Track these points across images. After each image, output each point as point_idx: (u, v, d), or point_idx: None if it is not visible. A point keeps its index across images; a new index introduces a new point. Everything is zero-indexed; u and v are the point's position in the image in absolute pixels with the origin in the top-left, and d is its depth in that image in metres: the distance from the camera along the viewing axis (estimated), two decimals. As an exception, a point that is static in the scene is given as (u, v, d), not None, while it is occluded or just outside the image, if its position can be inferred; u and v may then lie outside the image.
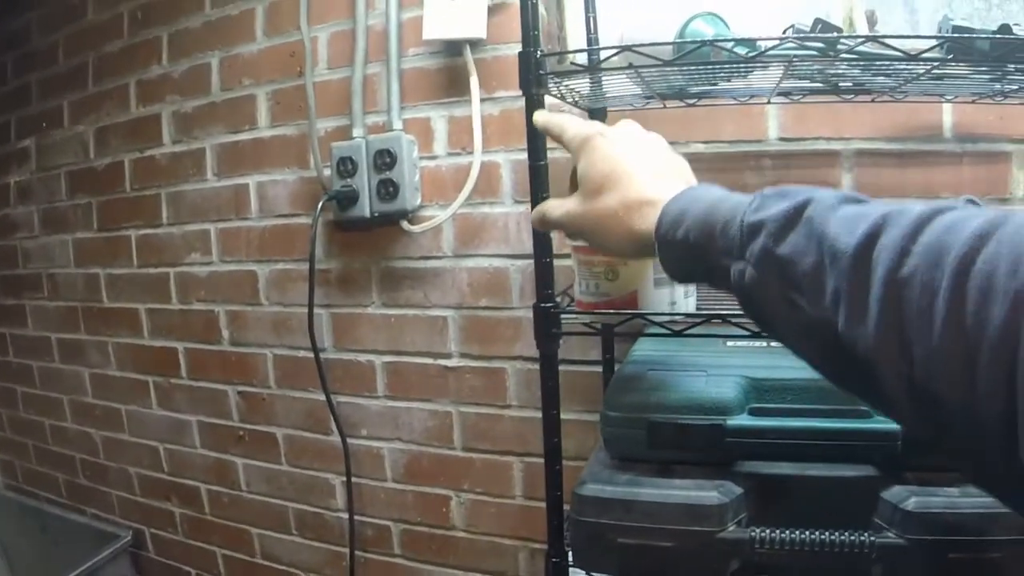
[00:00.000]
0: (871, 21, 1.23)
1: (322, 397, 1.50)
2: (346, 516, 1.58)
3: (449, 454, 1.47)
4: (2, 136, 2.08)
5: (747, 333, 0.85)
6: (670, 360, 1.04)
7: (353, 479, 1.55)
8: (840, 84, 1.08)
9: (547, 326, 0.90)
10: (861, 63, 0.88)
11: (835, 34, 0.90)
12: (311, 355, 1.48)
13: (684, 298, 0.88)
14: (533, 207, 0.85)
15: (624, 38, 1.07)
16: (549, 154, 0.87)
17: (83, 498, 2.06)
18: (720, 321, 0.84)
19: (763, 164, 1.23)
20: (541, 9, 1.22)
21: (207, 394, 1.74)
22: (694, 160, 1.27)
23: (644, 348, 1.12)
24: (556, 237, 0.88)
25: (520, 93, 0.84)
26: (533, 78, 0.85)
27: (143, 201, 1.77)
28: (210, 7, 1.62)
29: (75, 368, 1.99)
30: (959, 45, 0.83)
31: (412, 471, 1.52)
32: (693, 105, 1.15)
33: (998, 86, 1.02)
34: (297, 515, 1.68)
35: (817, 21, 0.94)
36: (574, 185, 0.71)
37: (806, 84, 1.09)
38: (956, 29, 0.86)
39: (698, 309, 0.91)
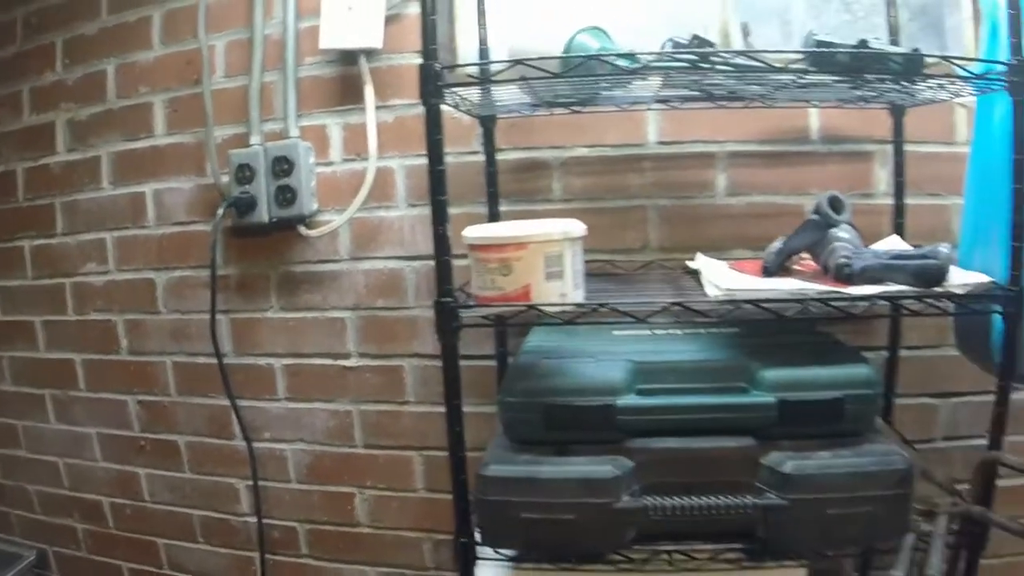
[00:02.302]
0: (745, 32, 1.36)
1: (223, 402, 1.54)
2: (253, 520, 1.61)
3: (351, 452, 1.51)
4: None
5: (632, 320, 0.94)
6: (561, 349, 1.13)
7: (261, 482, 1.57)
8: (715, 92, 1.17)
9: (447, 321, 0.96)
10: (735, 74, 0.97)
11: (709, 48, 0.99)
12: (211, 361, 1.51)
13: (573, 290, 0.96)
14: (433, 210, 0.92)
15: (513, 50, 1.16)
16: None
17: None
18: (607, 310, 0.92)
19: (643, 166, 1.34)
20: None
21: (106, 405, 1.73)
22: (579, 163, 1.36)
23: (536, 339, 1.21)
24: (452, 236, 0.94)
25: (416, 101, 0.91)
26: (432, 89, 0.91)
27: (37, 211, 1.75)
28: (107, 13, 1.63)
29: (-34, 385, 1.93)
30: (821, 58, 0.94)
31: (316, 471, 1.56)
32: (578, 112, 1.23)
33: (859, 93, 1.14)
34: (203, 522, 1.69)
35: (694, 37, 1.03)
36: None
37: (683, 92, 1.18)
38: (819, 44, 0.97)
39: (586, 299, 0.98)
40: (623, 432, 0.98)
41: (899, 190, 1.31)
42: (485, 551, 1.02)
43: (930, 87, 1.06)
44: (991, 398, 1.37)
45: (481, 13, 1.32)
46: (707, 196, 1.34)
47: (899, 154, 1.30)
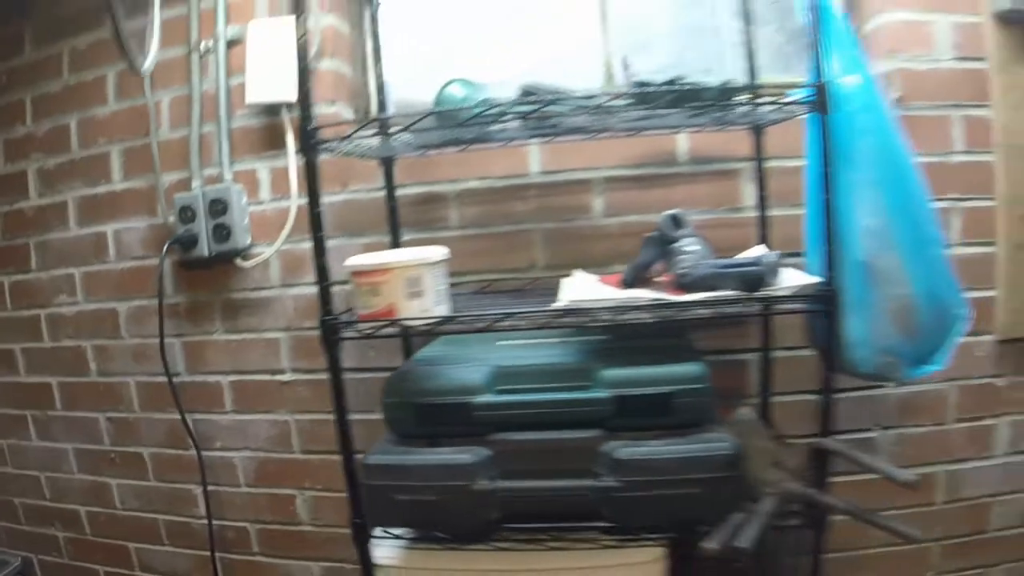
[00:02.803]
0: (626, 65, 1.52)
1: (179, 416, 1.72)
2: (214, 523, 1.79)
3: (290, 457, 1.71)
4: None
5: (472, 330, 1.13)
6: (444, 357, 1.33)
7: (211, 487, 1.77)
8: (567, 127, 1.34)
9: (329, 335, 1.15)
10: (587, 110, 1.14)
11: (536, 96, 1.16)
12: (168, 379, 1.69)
13: (434, 306, 1.15)
14: (314, 245, 1.11)
15: (398, 102, 1.34)
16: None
17: None
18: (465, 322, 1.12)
19: (528, 194, 1.54)
20: (345, 69, 1.49)
21: (80, 422, 1.93)
22: (471, 194, 1.54)
23: (429, 350, 1.40)
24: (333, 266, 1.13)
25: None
26: (309, 144, 1.11)
27: (14, 250, 1.96)
28: (68, 73, 1.84)
29: (-43, 409, 2.14)
30: (643, 95, 1.11)
31: (261, 475, 1.75)
32: (464, 150, 1.42)
33: (701, 119, 1.30)
34: (167, 526, 1.88)
35: (532, 87, 1.20)
36: None
37: (539, 130, 1.34)
38: (638, 84, 1.15)
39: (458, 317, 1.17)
40: (482, 426, 1.16)
41: (762, 203, 1.48)
42: (376, 531, 1.21)
43: (770, 108, 1.22)
44: (867, 393, 1.57)
45: (379, 75, 1.52)
46: (586, 218, 1.53)
47: (760, 170, 1.47)
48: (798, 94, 1.10)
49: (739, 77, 1.54)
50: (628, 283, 1.26)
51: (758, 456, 1.20)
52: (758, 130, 1.46)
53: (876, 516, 1.10)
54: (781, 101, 1.15)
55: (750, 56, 1.52)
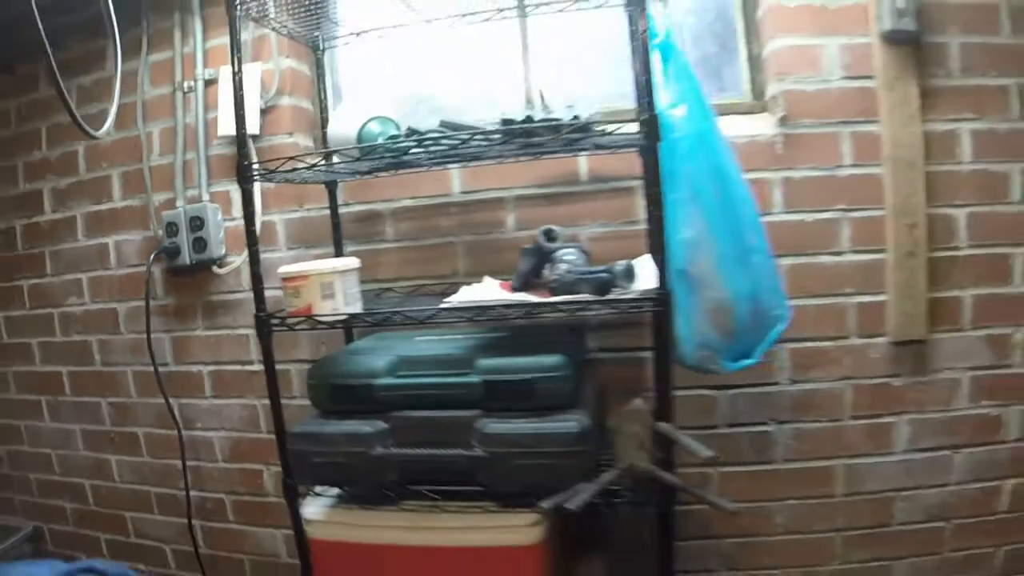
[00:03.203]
0: (542, 96, 1.81)
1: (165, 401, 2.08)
2: (194, 493, 2.14)
3: (259, 437, 2.05)
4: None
5: (369, 323, 1.45)
6: (363, 348, 1.65)
7: (194, 463, 2.13)
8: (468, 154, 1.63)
9: (262, 327, 1.49)
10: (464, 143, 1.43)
11: (424, 133, 1.46)
12: (161, 368, 2.05)
13: (345, 306, 1.48)
14: (250, 258, 1.44)
15: (331, 135, 1.67)
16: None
17: None
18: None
19: (451, 211, 1.86)
20: (305, 104, 1.81)
21: (86, 406, 2.30)
22: (404, 211, 1.87)
23: (359, 342, 1.73)
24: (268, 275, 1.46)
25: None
26: (244, 177, 1.45)
27: (32, 257, 2.34)
28: (76, 106, 2.19)
29: (-19, 395, 2.53)
30: (508, 129, 1.39)
31: (235, 453, 2.11)
32: (396, 174, 1.75)
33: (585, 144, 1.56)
34: (158, 497, 2.24)
35: (443, 123, 1.50)
36: None
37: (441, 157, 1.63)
38: (503, 121, 1.43)
39: (364, 312, 1.49)
40: (382, 404, 1.47)
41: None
42: (308, 493, 1.54)
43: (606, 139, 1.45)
44: (763, 390, 1.85)
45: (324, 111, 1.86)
46: (500, 232, 1.85)
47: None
48: (631, 126, 1.36)
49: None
50: (516, 288, 1.57)
51: (628, 439, 1.44)
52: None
53: (696, 490, 1.38)
54: (613, 133, 1.38)
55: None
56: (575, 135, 1.38)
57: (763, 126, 1.80)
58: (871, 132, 1.76)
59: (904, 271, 1.77)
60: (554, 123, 1.37)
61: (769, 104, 1.84)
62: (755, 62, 1.92)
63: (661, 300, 1.34)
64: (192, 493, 2.16)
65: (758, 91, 1.91)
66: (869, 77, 1.75)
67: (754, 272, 1.44)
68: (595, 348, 1.84)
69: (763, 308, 1.45)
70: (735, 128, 1.80)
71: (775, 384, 1.85)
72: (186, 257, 1.99)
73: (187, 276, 2.07)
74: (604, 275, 1.41)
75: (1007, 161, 1.76)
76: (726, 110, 1.89)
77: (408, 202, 1.88)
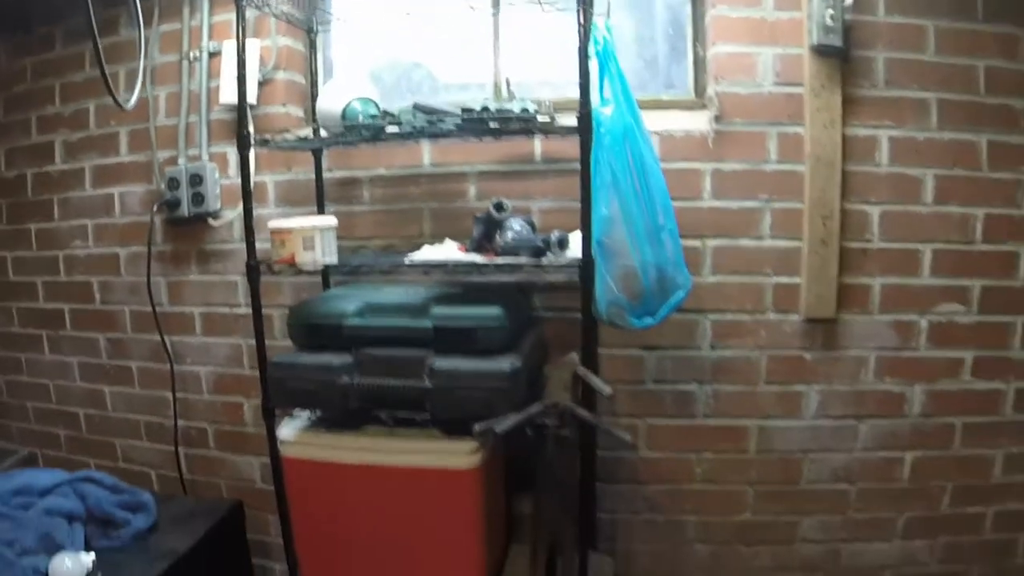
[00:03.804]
0: (508, 83, 2.13)
1: (158, 338, 2.43)
2: (181, 424, 2.50)
3: (242, 373, 2.41)
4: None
5: (342, 273, 1.81)
6: (336, 295, 1.99)
7: (181, 395, 2.48)
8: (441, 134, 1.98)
9: (252, 274, 1.84)
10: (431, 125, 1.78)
11: (394, 114, 1.82)
12: (151, 309, 2.40)
13: (323, 257, 1.82)
14: (245, 215, 1.78)
15: (319, 109, 2.01)
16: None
17: None
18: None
19: (421, 181, 2.21)
20: (298, 79, 2.16)
21: (84, 342, 2.65)
22: (380, 179, 2.22)
23: (333, 290, 2.07)
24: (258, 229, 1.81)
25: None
26: (243, 144, 1.79)
27: (41, 204, 2.67)
28: (88, 68, 2.53)
29: (-15, 330, 2.88)
30: (468, 117, 1.74)
31: (219, 386, 2.47)
32: (375, 146, 2.10)
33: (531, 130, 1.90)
34: (147, 426, 2.60)
35: (416, 105, 1.86)
36: None
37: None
38: (464, 110, 1.77)
39: (339, 263, 1.84)
40: (350, 341, 1.80)
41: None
42: (279, 412, 1.90)
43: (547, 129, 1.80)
44: (686, 353, 2.19)
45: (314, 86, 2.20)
46: (463, 202, 2.19)
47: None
48: (569, 120, 1.70)
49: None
50: (469, 250, 1.93)
51: (557, 383, 1.79)
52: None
53: (602, 423, 1.73)
54: (554, 123, 1.74)
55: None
56: (521, 124, 1.74)
57: (699, 122, 2.13)
58: (796, 133, 2.08)
59: (817, 257, 2.09)
60: (504, 114, 1.73)
61: (707, 103, 2.16)
62: (699, 64, 2.24)
63: (585, 266, 1.68)
64: (179, 422, 2.51)
65: (700, 90, 2.23)
66: (798, 84, 2.06)
67: (661, 247, 1.77)
68: (539, 308, 2.19)
69: (667, 277, 1.78)
70: (675, 122, 2.14)
71: (698, 349, 2.19)
72: (185, 210, 2.34)
73: (184, 227, 2.41)
74: (540, 243, 1.77)
75: (922, 166, 2.07)
76: (670, 105, 2.24)
77: (383, 171, 2.22)
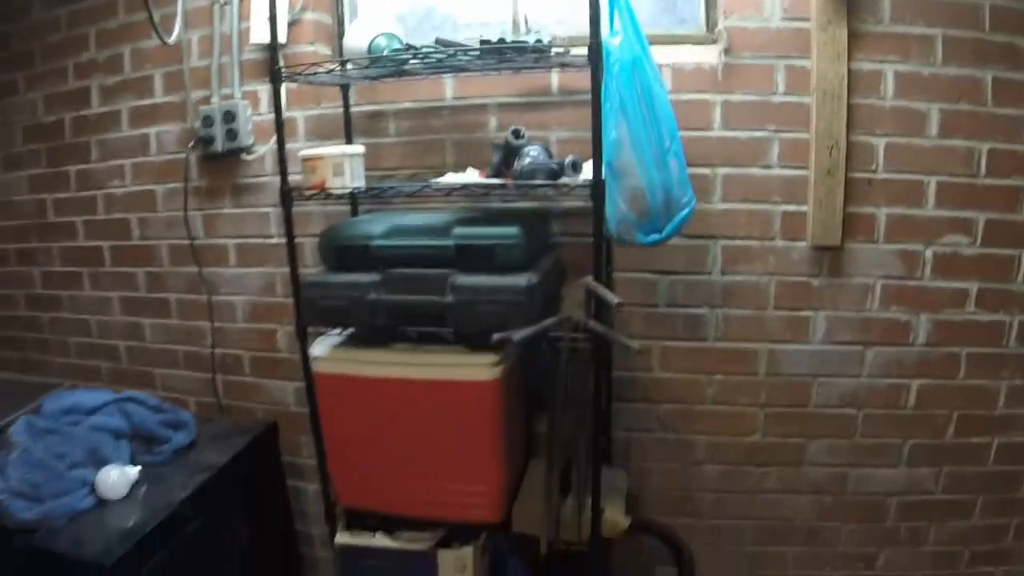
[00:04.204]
0: (527, 20, 2.31)
1: (196, 269, 2.64)
2: (217, 351, 2.72)
3: (275, 301, 2.62)
4: (-31, 102, 3.16)
5: (369, 196, 2.00)
6: (365, 219, 2.17)
7: (217, 324, 2.69)
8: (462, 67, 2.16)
9: (286, 199, 2.03)
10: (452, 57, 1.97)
11: (418, 47, 2.00)
12: (189, 242, 2.62)
13: (351, 182, 2.01)
14: (278, 145, 1.97)
15: (346, 46, 2.19)
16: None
17: (31, 368, 3.16)
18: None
19: (443, 114, 2.39)
20: (326, 19, 2.34)
21: (123, 276, 2.87)
22: (405, 112, 2.42)
23: (361, 216, 2.26)
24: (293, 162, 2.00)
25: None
26: (275, 78, 1.98)
27: (79, 146, 2.87)
28: (123, 14, 2.71)
29: (27, 268, 3.10)
30: (488, 48, 1.91)
31: (254, 315, 2.68)
32: (399, 81, 2.28)
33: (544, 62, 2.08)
34: (185, 355, 2.83)
35: (438, 40, 2.04)
36: None
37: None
38: (482, 42, 1.94)
39: (368, 189, 2.04)
40: (377, 261, 1.96)
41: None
42: (311, 330, 2.09)
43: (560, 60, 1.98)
44: (697, 278, 2.36)
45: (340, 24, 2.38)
46: (483, 133, 2.36)
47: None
48: (581, 50, 1.86)
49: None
50: (490, 176, 2.11)
51: (572, 300, 1.97)
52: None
53: (611, 332, 1.87)
54: (567, 54, 1.91)
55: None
56: (536, 55, 1.91)
57: (710, 55, 2.27)
58: (803, 66, 2.20)
59: (823, 187, 2.23)
60: (520, 45, 1.90)
61: (717, 37, 2.29)
62: (711, 0, 2.38)
63: (596, 186, 1.82)
64: (215, 350, 2.73)
65: (712, 25, 2.37)
66: (806, 19, 2.17)
67: (667, 170, 1.90)
68: (556, 233, 2.36)
69: (672, 197, 1.93)
70: (687, 56, 2.28)
71: (708, 274, 2.36)
72: (219, 146, 2.53)
73: (218, 162, 2.61)
74: (555, 166, 1.95)
75: (927, 101, 2.19)
76: (682, 40, 2.38)
77: (408, 105, 2.40)
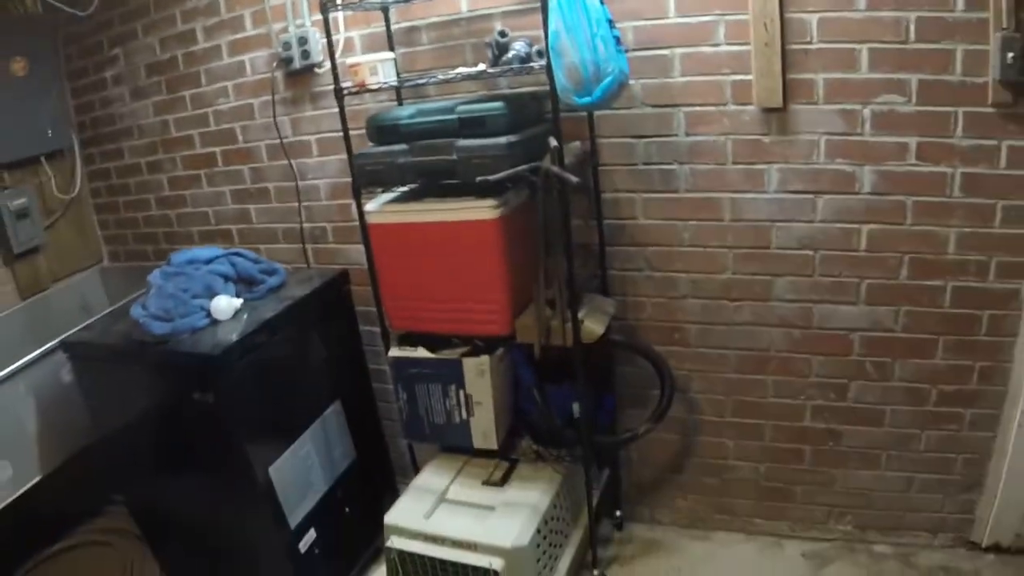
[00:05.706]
0: None
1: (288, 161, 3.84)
2: (306, 226, 3.93)
3: (349, 180, 3.63)
4: (100, 48, 4.35)
5: (399, 87, 3.13)
6: (400, 107, 3.24)
7: (307, 203, 3.89)
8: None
9: (338, 94, 3.15)
10: None
11: None
12: (280, 141, 3.81)
13: (383, 78, 3.11)
14: (330, 58, 3.09)
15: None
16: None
17: (164, 258, 4.32)
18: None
19: (461, 24, 3.34)
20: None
21: (233, 173, 4.05)
22: (433, 25, 3.59)
23: (400, 106, 3.37)
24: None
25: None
26: (324, 9, 3.05)
27: (190, 75, 4.02)
28: (217, -36, 3.86)
29: (156, 176, 4.33)
30: None
31: (334, 194, 3.82)
32: (426, 0, 3.36)
33: None
34: (283, 231, 4.02)
35: None
36: None
37: None
38: None
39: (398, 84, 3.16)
40: (405, 135, 2.96)
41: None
42: (363, 192, 3.21)
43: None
44: (665, 140, 3.13)
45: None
46: (491, 36, 3.38)
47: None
48: None
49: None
50: (489, 67, 3.15)
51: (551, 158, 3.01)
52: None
53: (566, 174, 2.70)
54: None
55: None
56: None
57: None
58: None
59: (763, 57, 2.80)
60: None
61: None
62: None
63: (548, 66, 2.71)
64: (304, 225, 3.93)
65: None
66: None
67: (595, 50, 2.62)
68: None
69: (600, 69, 2.62)
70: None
71: (675, 136, 3.06)
72: (297, 64, 3.63)
73: (297, 76, 3.70)
74: (524, 54, 2.97)
75: None
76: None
77: (435, 19, 3.35)
